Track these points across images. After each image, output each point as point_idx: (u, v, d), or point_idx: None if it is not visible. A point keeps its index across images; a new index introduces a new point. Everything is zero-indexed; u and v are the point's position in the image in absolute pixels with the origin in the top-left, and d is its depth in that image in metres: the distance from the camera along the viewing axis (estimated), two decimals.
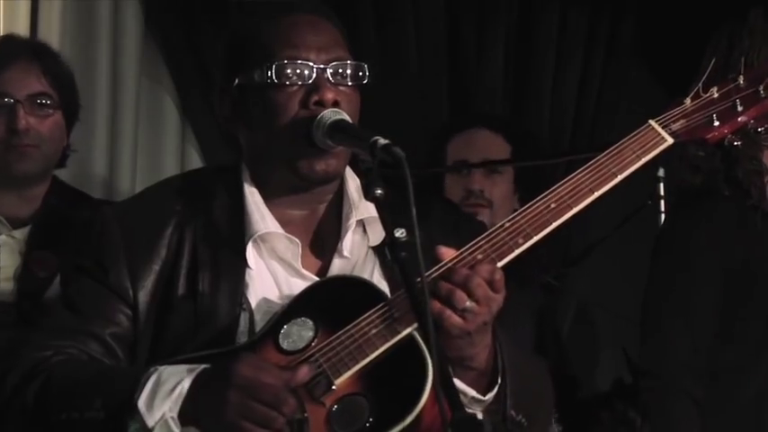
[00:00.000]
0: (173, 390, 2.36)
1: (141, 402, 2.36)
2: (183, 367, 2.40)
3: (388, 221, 2.33)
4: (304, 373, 2.36)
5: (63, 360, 2.51)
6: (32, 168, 3.66)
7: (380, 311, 2.43)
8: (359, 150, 2.47)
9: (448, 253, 2.45)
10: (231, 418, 2.31)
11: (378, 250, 2.62)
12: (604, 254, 4.66)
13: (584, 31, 4.99)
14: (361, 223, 2.62)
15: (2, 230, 3.67)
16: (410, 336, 2.40)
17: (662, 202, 4.44)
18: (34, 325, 2.62)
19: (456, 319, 2.40)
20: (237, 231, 2.59)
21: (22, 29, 4.36)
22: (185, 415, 2.35)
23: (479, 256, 2.46)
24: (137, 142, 4.61)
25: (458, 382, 2.46)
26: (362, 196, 2.58)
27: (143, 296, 2.56)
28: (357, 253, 2.62)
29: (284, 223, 2.61)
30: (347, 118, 2.54)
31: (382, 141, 2.38)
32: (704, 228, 3.25)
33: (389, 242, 2.30)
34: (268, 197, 2.62)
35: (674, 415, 3.19)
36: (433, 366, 2.26)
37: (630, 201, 4.56)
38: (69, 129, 3.78)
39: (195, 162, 4.70)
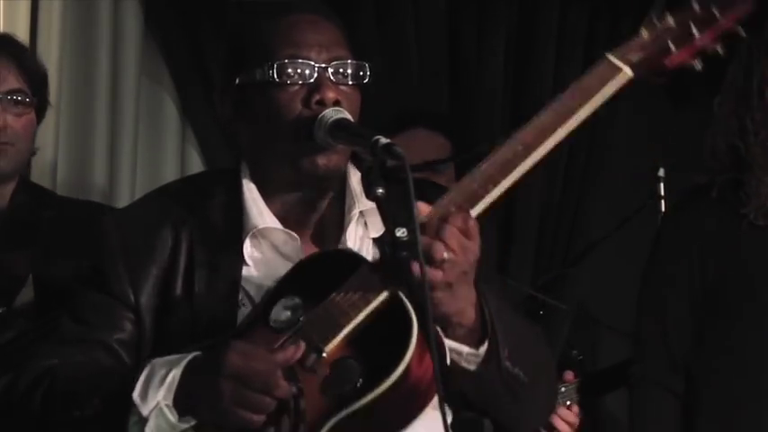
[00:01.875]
0: (164, 378, 2.37)
1: (135, 394, 2.37)
2: (174, 357, 2.41)
3: (390, 220, 2.33)
4: (291, 351, 2.36)
5: (71, 366, 2.52)
6: (6, 167, 3.59)
7: (362, 276, 2.42)
8: (360, 149, 2.48)
9: (424, 209, 2.42)
10: (226, 407, 2.31)
11: (378, 242, 2.61)
12: (604, 254, 4.66)
13: (584, 31, 4.99)
14: (363, 215, 2.61)
15: None
16: (396, 296, 2.39)
17: (662, 201, 4.44)
18: (42, 338, 2.63)
19: (435, 272, 2.38)
20: (235, 228, 2.59)
21: (22, 29, 4.36)
22: (180, 403, 2.35)
23: (452, 209, 2.44)
24: (137, 142, 4.61)
25: (450, 342, 2.46)
26: (362, 192, 2.59)
27: (144, 300, 2.57)
28: (359, 245, 2.62)
29: (284, 219, 2.61)
30: (348, 117, 2.55)
31: (383, 141, 2.39)
32: (687, 229, 3.29)
33: (390, 242, 2.30)
34: (268, 195, 2.62)
35: (648, 404, 3.27)
36: (420, 325, 2.27)
37: (630, 201, 4.56)
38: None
39: (195, 162, 4.70)
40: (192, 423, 2.36)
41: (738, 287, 3.25)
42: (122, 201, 4.38)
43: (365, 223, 2.62)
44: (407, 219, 2.27)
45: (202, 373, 2.36)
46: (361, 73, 2.60)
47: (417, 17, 4.85)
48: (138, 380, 2.38)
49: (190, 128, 4.70)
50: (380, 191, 2.34)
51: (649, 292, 3.38)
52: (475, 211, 2.45)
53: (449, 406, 2.49)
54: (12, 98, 3.58)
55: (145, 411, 2.35)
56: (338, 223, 2.63)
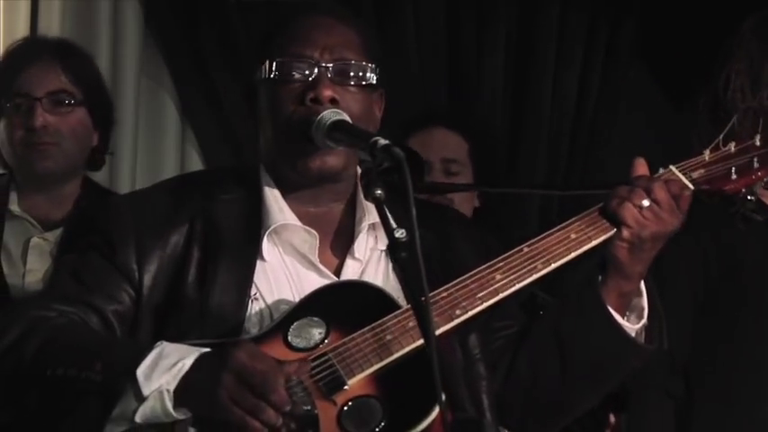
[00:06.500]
0: (174, 365, 2.36)
1: (140, 371, 2.36)
2: (186, 346, 2.41)
3: (389, 222, 2.33)
4: (296, 367, 2.36)
5: (68, 322, 2.52)
6: (53, 166, 3.65)
7: (397, 319, 2.45)
8: (359, 151, 2.48)
9: (642, 167, 2.61)
10: (222, 401, 2.31)
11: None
12: None
13: (584, 31, 4.99)
14: (374, 227, 2.62)
15: (33, 232, 3.66)
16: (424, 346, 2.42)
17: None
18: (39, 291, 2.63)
19: (633, 210, 2.53)
20: (254, 224, 2.60)
21: (22, 29, 4.37)
22: (180, 393, 2.35)
23: (498, 276, 2.50)
24: (137, 142, 4.61)
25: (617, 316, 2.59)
26: None
27: (148, 280, 2.57)
28: (369, 255, 2.63)
29: (301, 218, 2.62)
30: (347, 118, 2.54)
31: (382, 142, 2.38)
32: (687, 231, 3.30)
33: (390, 243, 2.30)
34: (285, 193, 2.64)
35: (647, 407, 3.27)
36: (436, 375, 2.25)
37: None
38: (102, 129, 3.77)
39: (195, 162, 4.70)
40: (187, 416, 2.36)
41: (736, 287, 3.25)
42: None
43: (376, 236, 2.63)
44: (406, 219, 2.27)
45: (208, 365, 2.36)
46: (366, 74, 2.61)
47: (417, 17, 4.85)
48: (145, 358, 2.37)
49: (190, 128, 4.70)
50: (379, 192, 2.34)
51: None
52: (520, 285, 2.54)
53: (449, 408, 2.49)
54: (55, 99, 3.64)
55: (146, 391, 2.35)
56: (350, 232, 2.64)
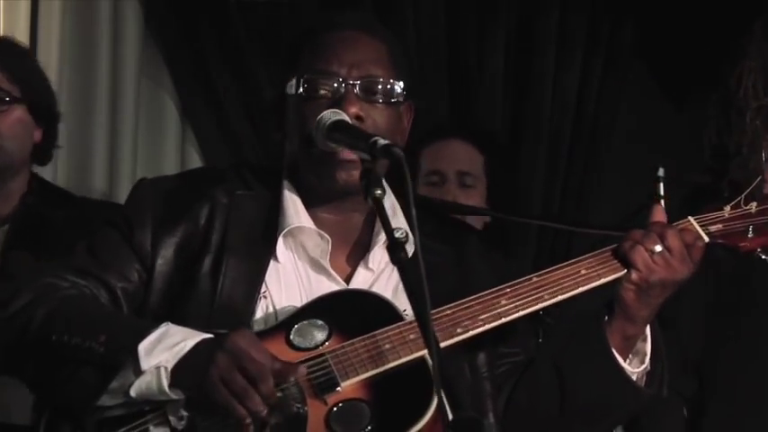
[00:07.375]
0: (176, 344, 2.40)
1: (142, 346, 2.40)
2: (191, 330, 2.44)
3: (388, 222, 2.33)
4: (301, 370, 2.38)
5: (79, 293, 2.56)
6: None
7: (398, 330, 2.48)
8: (359, 151, 2.48)
9: (661, 214, 2.63)
10: (212, 379, 2.34)
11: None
12: None
13: (584, 32, 4.99)
14: None
15: None
16: (422, 359, 2.44)
17: (662, 201, 4.44)
18: (54, 260, 2.67)
19: (644, 254, 2.53)
20: (271, 224, 2.63)
21: (22, 29, 4.37)
22: (176, 372, 2.38)
23: (503, 301, 2.52)
24: (137, 142, 4.62)
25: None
26: (396, 212, 2.63)
27: (161, 264, 2.60)
28: (383, 267, 2.65)
29: (320, 225, 2.64)
30: (346, 118, 2.55)
31: (382, 142, 2.39)
32: None
33: (390, 243, 2.31)
34: (307, 199, 2.66)
35: (656, 405, 3.26)
36: (436, 372, 2.26)
37: (630, 201, 4.56)
38: (45, 125, 3.76)
39: (195, 162, 4.70)
40: (180, 398, 2.39)
41: (747, 288, 3.25)
42: (122, 201, 4.37)
43: None
44: (406, 219, 2.28)
45: (205, 348, 2.39)
46: (393, 91, 2.62)
47: (417, 17, 4.85)
48: (148, 335, 2.40)
49: (190, 128, 4.70)
50: (378, 192, 2.35)
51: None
52: (524, 312, 2.56)
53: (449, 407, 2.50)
54: None
55: (144, 366, 2.38)
56: (367, 242, 2.66)
